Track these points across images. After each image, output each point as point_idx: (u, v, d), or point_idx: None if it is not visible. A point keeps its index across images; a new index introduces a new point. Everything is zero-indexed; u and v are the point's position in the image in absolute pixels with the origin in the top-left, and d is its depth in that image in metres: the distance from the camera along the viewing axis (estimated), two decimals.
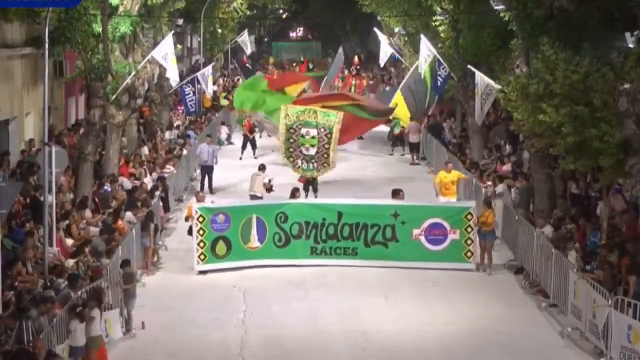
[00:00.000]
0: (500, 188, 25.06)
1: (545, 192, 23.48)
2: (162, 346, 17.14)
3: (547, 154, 22.20)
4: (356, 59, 61.05)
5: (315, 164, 25.83)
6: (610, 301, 15.96)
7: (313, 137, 25.66)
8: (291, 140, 25.59)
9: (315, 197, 26.05)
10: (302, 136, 25.73)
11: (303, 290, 20.41)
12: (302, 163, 25.99)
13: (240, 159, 35.89)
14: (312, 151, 25.69)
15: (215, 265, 21.45)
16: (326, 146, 25.70)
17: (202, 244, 21.35)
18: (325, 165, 25.87)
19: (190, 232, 22.02)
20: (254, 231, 21.75)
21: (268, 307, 19.25)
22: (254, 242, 21.80)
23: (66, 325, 15.03)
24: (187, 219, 22.72)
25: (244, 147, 36.42)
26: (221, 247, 21.53)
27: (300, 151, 25.81)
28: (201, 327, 18.11)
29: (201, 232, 21.37)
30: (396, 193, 23.06)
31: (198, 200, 22.79)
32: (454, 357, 16.90)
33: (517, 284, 21.02)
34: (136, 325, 17.80)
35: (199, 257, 21.39)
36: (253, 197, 25.18)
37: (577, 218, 21.16)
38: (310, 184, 26.59)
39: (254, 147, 36.41)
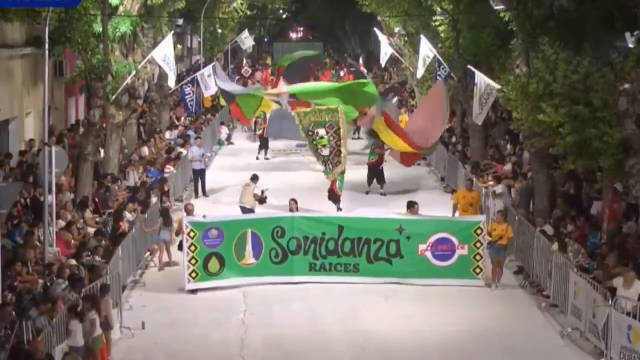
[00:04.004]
0: (500, 188, 25.00)
1: (545, 192, 23.49)
2: (162, 346, 17.14)
3: (547, 154, 22.20)
4: (361, 60, 61.26)
5: (330, 165, 24.49)
6: (610, 301, 15.97)
7: (322, 138, 24.31)
8: (314, 143, 24.36)
9: (339, 209, 25.16)
10: (321, 138, 24.33)
11: (303, 290, 20.36)
12: (322, 165, 24.76)
13: (257, 158, 35.66)
14: (326, 152, 24.36)
15: (207, 283, 20.10)
16: (338, 143, 24.29)
17: (193, 261, 19.95)
18: (338, 164, 24.41)
19: (180, 247, 20.73)
20: (248, 247, 20.44)
21: (268, 307, 19.24)
22: (249, 259, 20.48)
23: (66, 326, 15.02)
24: (177, 234, 21.49)
25: (261, 147, 35.95)
26: (214, 264, 20.16)
27: (320, 153, 24.54)
28: (201, 327, 18.10)
29: (192, 248, 19.97)
30: (411, 206, 21.63)
31: (187, 213, 21.49)
32: (454, 357, 16.90)
33: (517, 284, 21.00)
34: (136, 325, 17.80)
35: (190, 274, 19.98)
36: (243, 209, 24.13)
37: (576, 218, 21.20)
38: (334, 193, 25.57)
39: (265, 147, 35.86)
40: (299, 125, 24.56)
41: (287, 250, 20.63)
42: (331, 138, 24.17)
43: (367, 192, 29.20)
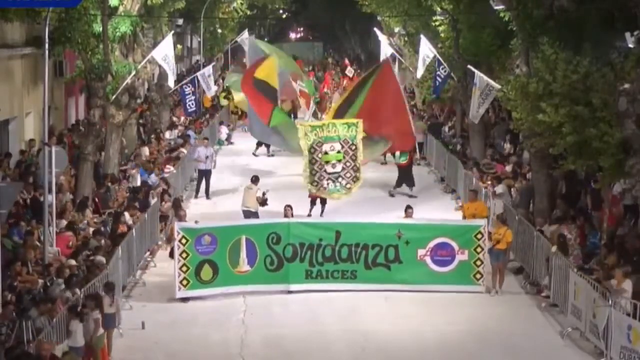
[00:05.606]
0: (500, 188, 25.00)
1: (545, 192, 23.49)
2: (162, 346, 17.15)
3: (547, 154, 22.21)
4: (346, 60, 61.42)
5: (344, 182, 23.37)
6: (610, 301, 15.98)
7: (338, 152, 23.19)
8: (313, 162, 23.23)
9: (321, 214, 24.85)
10: (326, 153, 23.09)
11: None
12: (327, 184, 23.31)
13: (255, 155, 35.66)
14: (339, 167, 23.23)
15: (199, 291, 19.52)
16: (353, 158, 23.22)
17: (184, 268, 19.31)
18: (355, 179, 23.42)
19: (172, 254, 20.22)
20: (243, 254, 19.78)
21: (268, 307, 19.24)
22: (243, 266, 19.82)
23: (66, 326, 15.03)
24: (169, 240, 21.30)
25: (259, 143, 35.38)
26: (207, 272, 19.51)
27: (325, 170, 23.19)
28: (201, 327, 18.11)
29: (184, 255, 19.32)
30: (405, 210, 21.64)
31: (179, 219, 21.21)
32: (454, 357, 16.91)
33: (517, 284, 20.99)
34: (136, 325, 17.81)
35: (181, 282, 19.34)
36: (246, 212, 23.63)
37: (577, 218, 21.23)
38: (318, 199, 25.09)
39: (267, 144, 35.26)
40: (302, 139, 23.37)
41: (283, 257, 20.06)
42: (346, 153, 23.16)
43: (391, 195, 28.68)
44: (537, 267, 20.39)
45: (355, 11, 51.74)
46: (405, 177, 28.96)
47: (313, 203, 25.21)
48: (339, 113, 25.10)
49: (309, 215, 24.97)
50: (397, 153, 28.71)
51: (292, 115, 37.64)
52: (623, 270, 16.68)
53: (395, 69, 47.79)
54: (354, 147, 23.29)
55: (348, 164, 23.31)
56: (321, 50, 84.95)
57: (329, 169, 23.31)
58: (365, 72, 29.49)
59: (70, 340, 14.89)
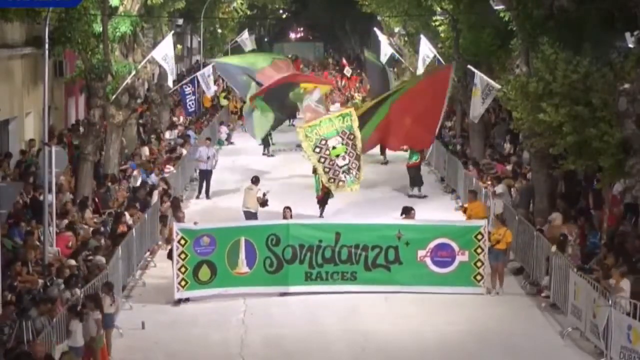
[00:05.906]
0: (500, 188, 25.00)
1: (545, 192, 23.50)
2: (162, 346, 17.15)
3: (547, 154, 22.21)
4: (344, 60, 61.70)
5: (354, 172, 23.30)
6: (610, 301, 15.98)
7: (342, 145, 23.13)
8: (322, 160, 23.20)
9: (321, 215, 24.83)
10: (334, 148, 23.06)
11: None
12: (344, 177, 23.26)
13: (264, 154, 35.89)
14: (347, 159, 23.21)
15: (197, 292, 19.44)
16: (354, 147, 23.20)
17: (183, 269, 19.21)
18: (359, 168, 23.37)
19: (170, 255, 19.85)
20: (242, 255, 19.65)
21: (268, 307, 19.23)
22: (242, 267, 19.68)
23: (66, 326, 15.03)
24: (168, 242, 21.20)
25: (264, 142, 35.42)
26: (205, 273, 19.41)
27: (337, 165, 23.15)
28: (201, 327, 18.11)
29: (182, 255, 19.22)
30: (407, 212, 21.27)
31: (177, 220, 21.27)
32: (454, 357, 16.90)
33: (517, 284, 20.99)
34: (136, 325, 17.81)
35: (179, 283, 19.22)
36: (247, 214, 23.72)
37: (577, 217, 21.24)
38: (327, 197, 25.10)
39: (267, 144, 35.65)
40: (305, 141, 23.33)
41: (282, 259, 19.90)
42: (347, 144, 23.14)
43: (421, 196, 28.60)
44: (537, 267, 20.38)
45: (355, 11, 51.84)
46: (412, 176, 29.07)
47: (323, 203, 25.23)
48: (372, 109, 25.22)
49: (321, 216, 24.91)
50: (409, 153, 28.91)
51: (292, 116, 37.67)
52: (620, 270, 16.70)
53: (395, 69, 48.02)
54: (352, 137, 23.27)
55: (351, 154, 23.29)
56: (322, 50, 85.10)
57: (340, 162, 23.24)
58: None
59: (70, 340, 14.89)
